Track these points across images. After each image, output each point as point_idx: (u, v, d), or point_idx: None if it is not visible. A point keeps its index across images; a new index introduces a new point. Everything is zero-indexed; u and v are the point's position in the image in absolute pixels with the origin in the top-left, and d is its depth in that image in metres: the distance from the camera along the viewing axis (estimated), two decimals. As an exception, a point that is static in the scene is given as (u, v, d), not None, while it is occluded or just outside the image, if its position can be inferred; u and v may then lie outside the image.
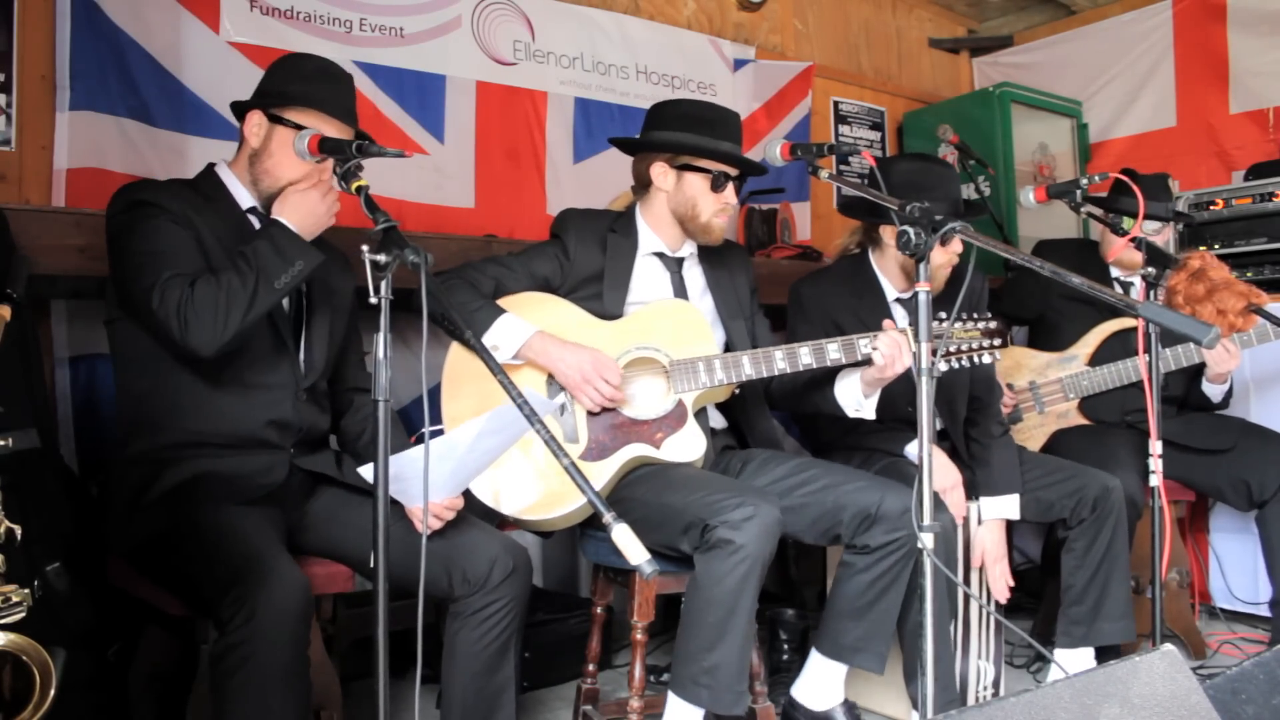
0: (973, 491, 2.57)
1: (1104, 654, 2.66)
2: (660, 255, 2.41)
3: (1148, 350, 2.28)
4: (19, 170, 2.58)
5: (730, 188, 2.33)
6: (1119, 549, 2.60)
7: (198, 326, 1.74)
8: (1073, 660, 2.62)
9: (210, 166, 2.02)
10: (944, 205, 2.45)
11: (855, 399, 2.32)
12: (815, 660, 2.34)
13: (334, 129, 1.93)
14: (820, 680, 2.34)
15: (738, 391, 2.41)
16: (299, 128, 1.88)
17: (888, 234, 2.58)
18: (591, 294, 2.33)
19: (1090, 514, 2.58)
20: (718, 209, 2.33)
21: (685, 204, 2.34)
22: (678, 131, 2.32)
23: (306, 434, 2.00)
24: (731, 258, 2.53)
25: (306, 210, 1.88)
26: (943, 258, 2.47)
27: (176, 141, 2.78)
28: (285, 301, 1.96)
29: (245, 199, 1.98)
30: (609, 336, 2.28)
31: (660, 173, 2.36)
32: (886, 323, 2.22)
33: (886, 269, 2.65)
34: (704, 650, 2.00)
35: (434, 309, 1.57)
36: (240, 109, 2.01)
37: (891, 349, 2.16)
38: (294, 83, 1.95)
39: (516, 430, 1.77)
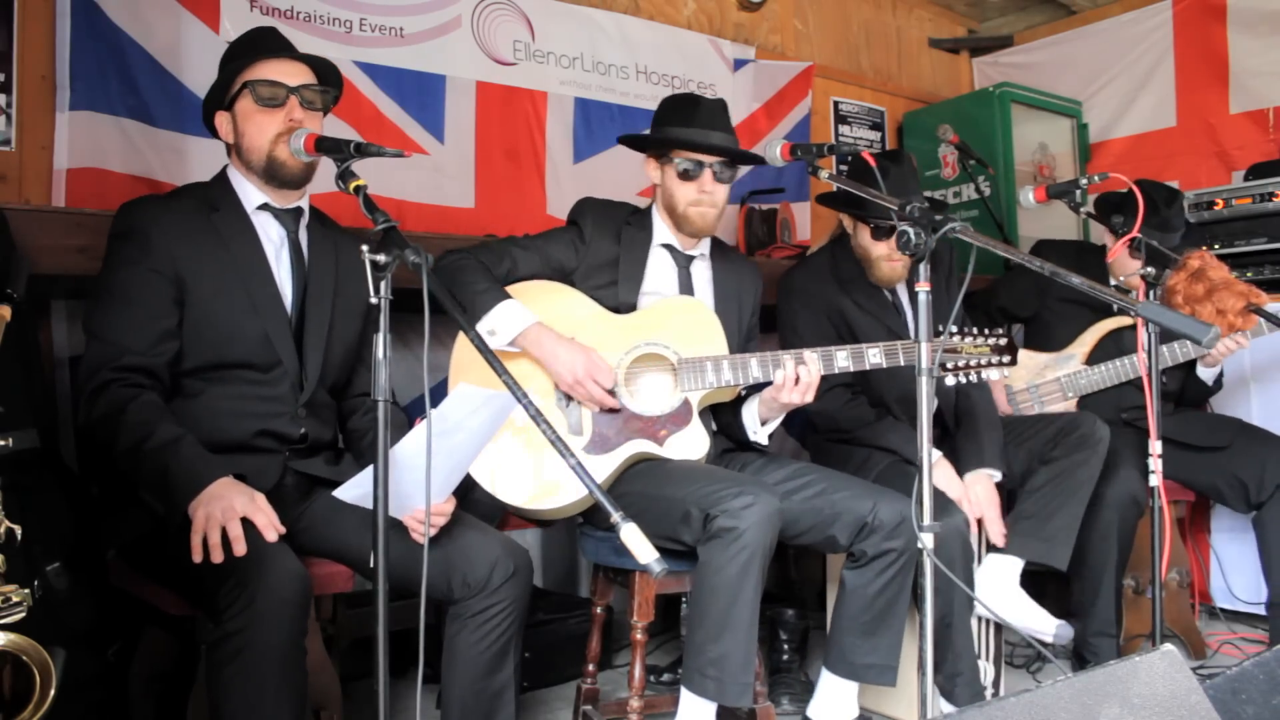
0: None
1: (1030, 576, 2.61)
2: (670, 249, 2.40)
3: (1147, 351, 2.28)
4: (19, 170, 2.59)
5: (705, 175, 2.28)
6: (1084, 480, 2.57)
7: (87, 421, 1.79)
8: (994, 566, 2.56)
9: (224, 169, 2.03)
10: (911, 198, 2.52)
11: (753, 423, 2.35)
12: (827, 680, 2.34)
13: (276, 69, 1.95)
14: (834, 699, 2.34)
15: (744, 393, 2.41)
16: (245, 86, 1.92)
17: (849, 224, 2.66)
18: (606, 283, 2.33)
19: (1072, 441, 2.59)
20: (692, 199, 2.29)
21: (667, 195, 2.34)
22: (659, 125, 2.33)
23: (305, 443, 1.99)
24: (744, 275, 2.52)
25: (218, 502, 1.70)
26: (882, 249, 2.54)
27: (176, 141, 2.78)
28: (288, 315, 1.97)
29: (254, 197, 1.99)
30: (618, 330, 2.28)
31: (651, 168, 2.38)
32: (808, 354, 2.20)
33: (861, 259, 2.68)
34: (709, 641, 2.01)
35: (436, 294, 1.55)
36: (211, 122, 2.03)
37: (796, 373, 2.17)
38: (227, 65, 1.98)
39: (500, 420, 1.75)
